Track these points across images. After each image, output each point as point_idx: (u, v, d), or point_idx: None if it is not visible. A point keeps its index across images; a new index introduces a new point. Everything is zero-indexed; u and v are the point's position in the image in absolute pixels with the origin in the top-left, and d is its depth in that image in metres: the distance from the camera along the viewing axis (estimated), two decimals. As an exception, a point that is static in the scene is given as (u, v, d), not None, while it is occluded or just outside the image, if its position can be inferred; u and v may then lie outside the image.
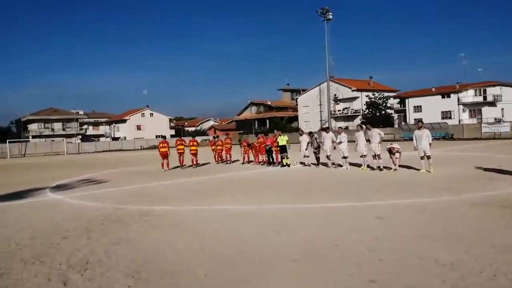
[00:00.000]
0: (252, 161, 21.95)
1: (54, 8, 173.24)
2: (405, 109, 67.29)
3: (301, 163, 19.24)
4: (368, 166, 15.86)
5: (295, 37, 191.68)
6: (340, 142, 16.44)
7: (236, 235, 6.53)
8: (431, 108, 62.54)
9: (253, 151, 21.91)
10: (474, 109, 60.81)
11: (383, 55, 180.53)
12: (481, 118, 58.30)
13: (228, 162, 22.67)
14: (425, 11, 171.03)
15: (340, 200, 9.36)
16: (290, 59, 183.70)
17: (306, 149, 18.17)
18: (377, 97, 68.01)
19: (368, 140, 15.84)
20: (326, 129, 18.15)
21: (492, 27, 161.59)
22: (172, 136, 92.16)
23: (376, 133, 15.72)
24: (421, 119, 15.32)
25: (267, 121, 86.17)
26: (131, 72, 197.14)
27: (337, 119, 75.36)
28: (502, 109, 60.59)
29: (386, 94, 70.50)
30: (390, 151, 14.84)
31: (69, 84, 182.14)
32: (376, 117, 66.96)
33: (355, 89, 73.97)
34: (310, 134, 18.46)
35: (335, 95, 74.55)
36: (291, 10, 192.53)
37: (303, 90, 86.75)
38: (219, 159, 23.33)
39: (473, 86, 61.77)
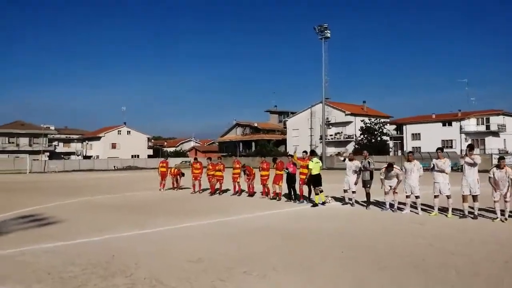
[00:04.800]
0: (255, 192, 16.52)
1: (28, 22, 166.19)
2: (402, 136, 63.43)
3: (340, 199, 13.91)
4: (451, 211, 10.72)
5: (283, 58, 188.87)
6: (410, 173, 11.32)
7: None
8: (430, 136, 58.67)
9: (247, 178, 16.57)
10: (477, 138, 57.30)
11: (375, 80, 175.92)
12: (485, 149, 54.77)
13: (219, 192, 17.38)
14: (420, 35, 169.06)
15: None
16: (277, 80, 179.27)
17: (355, 183, 12.81)
18: (373, 122, 63.85)
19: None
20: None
21: (493, 55, 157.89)
22: (149, 156, 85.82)
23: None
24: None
25: (253, 143, 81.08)
26: (108, 89, 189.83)
27: (328, 144, 70.71)
28: (505, 140, 57.42)
29: (382, 120, 66.64)
30: None
31: (41, 99, 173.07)
32: (371, 143, 62.70)
33: (349, 113, 69.87)
34: (365, 154, 13.05)
35: (327, 118, 70.26)
36: (278, 30, 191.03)
37: (292, 113, 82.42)
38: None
39: (476, 114, 58.56)
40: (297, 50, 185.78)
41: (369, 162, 12.49)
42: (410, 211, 11.32)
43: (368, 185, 12.38)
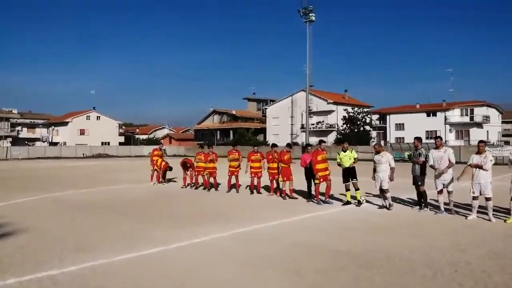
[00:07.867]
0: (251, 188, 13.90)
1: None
2: (386, 126, 62.07)
3: (381, 201, 11.42)
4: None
5: (262, 44, 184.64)
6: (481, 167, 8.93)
7: None
8: (414, 126, 57.46)
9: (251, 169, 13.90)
10: (462, 129, 56.56)
11: (356, 69, 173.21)
12: (469, 140, 54.08)
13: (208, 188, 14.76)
14: (402, 26, 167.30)
15: None
16: (255, 67, 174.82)
17: (391, 179, 10.34)
18: (356, 111, 62.09)
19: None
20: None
21: (476, 46, 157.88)
22: (120, 143, 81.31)
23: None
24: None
25: (231, 132, 78.00)
26: (77, 73, 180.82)
27: (309, 133, 68.78)
28: (488, 131, 56.99)
29: (365, 110, 64.97)
30: None
31: (1, 81, 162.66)
32: (353, 133, 61.01)
33: (331, 102, 67.82)
34: (418, 141, 10.62)
35: (309, 107, 68.07)
36: (258, 14, 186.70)
37: (272, 101, 79.69)
38: (195, 182, 15.60)
39: (460, 105, 57.77)
40: (277, 36, 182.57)
41: (419, 154, 10.04)
42: (477, 217, 9.00)
43: (420, 182, 9.95)
